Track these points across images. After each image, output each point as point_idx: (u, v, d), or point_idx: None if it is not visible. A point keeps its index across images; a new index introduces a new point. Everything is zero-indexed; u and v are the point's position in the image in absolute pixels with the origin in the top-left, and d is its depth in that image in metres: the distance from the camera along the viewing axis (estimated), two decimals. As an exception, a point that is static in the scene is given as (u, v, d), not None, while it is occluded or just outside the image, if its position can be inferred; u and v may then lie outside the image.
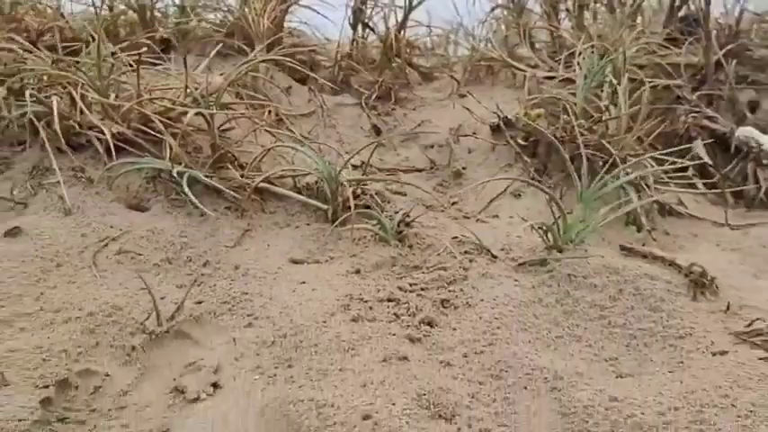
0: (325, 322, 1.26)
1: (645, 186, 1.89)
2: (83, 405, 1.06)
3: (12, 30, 2.32)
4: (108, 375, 1.13)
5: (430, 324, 1.28)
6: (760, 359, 1.09)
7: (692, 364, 1.11)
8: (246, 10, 2.55)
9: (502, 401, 1.03)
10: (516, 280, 1.43)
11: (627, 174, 1.78)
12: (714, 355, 1.13)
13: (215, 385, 1.09)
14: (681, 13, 2.81)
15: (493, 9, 3.32)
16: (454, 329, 1.26)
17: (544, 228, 1.52)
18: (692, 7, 2.76)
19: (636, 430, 0.94)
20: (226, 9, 2.85)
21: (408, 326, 1.26)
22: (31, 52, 2.15)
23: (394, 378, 1.07)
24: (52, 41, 2.38)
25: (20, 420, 0.98)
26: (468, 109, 2.42)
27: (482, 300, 1.36)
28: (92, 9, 2.61)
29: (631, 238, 1.74)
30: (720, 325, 1.23)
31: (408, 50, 2.95)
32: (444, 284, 1.44)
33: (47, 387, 1.07)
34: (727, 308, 1.27)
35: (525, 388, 1.06)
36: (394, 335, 1.22)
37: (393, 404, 1.00)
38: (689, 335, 1.19)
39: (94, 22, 2.54)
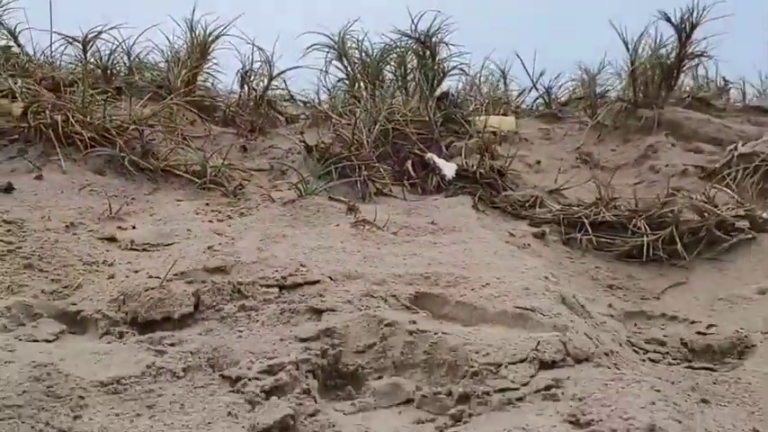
0: (184, 214, 2.96)
1: (371, 181, 3.66)
2: (80, 230, 2.70)
3: (27, 77, 3.97)
4: (87, 225, 2.77)
5: (230, 217, 2.99)
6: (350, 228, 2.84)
7: (325, 229, 2.84)
8: (169, 73, 4.28)
9: (238, 219, 2.74)
10: (279, 208, 3.15)
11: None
12: (335, 226, 2.87)
13: (133, 227, 2.75)
14: (438, 92, 4.70)
15: (338, 81, 5.18)
16: (240, 222, 2.97)
17: (298, 186, 3.27)
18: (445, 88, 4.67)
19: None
20: (158, 70, 4.57)
21: (216, 211, 2.97)
22: (39, 91, 3.81)
23: (201, 214, 2.77)
24: (51, 85, 4.03)
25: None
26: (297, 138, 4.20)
27: (258, 213, 3.08)
28: (74, 62, 4.29)
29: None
30: (346, 220, 2.97)
31: (274, 103, 4.72)
32: (242, 211, 3.15)
33: (65, 223, 2.70)
34: (355, 215, 3.03)
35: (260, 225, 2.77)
36: (210, 213, 2.93)
37: (196, 214, 2.70)
38: (334, 224, 2.93)
39: (77, 71, 4.22)
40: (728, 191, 3.27)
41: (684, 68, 4.56)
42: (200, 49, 4.41)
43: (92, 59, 4.36)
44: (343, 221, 2.96)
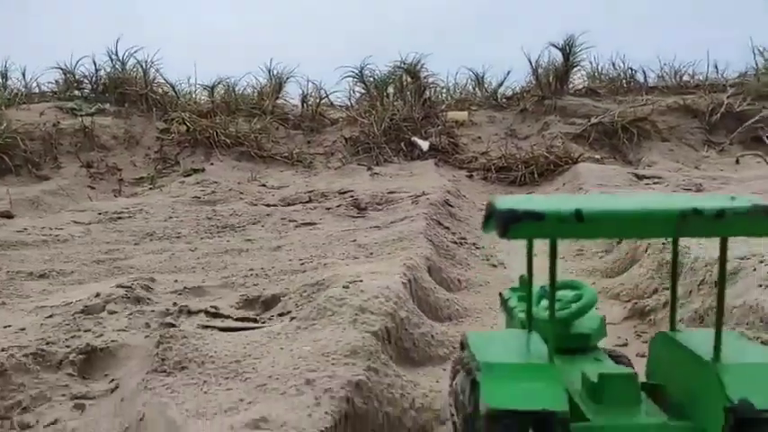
0: (287, 176, 6.04)
1: (380, 155, 6.67)
2: (245, 185, 5.79)
3: (186, 111, 7.09)
4: (246, 183, 5.88)
5: (310, 176, 6.05)
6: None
7: (356, 178, 5.87)
8: (262, 101, 7.38)
9: (313, 176, 5.78)
10: (332, 171, 6.21)
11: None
12: (361, 177, 5.88)
13: (265, 183, 5.84)
14: (421, 100, 7.67)
15: (360, 96, 8.21)
16: (315, 177, 6.04)
17: (341, 160, 6.32)
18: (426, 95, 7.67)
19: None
20: (254, 98, 7.67)
21: (301, 174, 6.04)
22: (195, 119, 6.94)
23: (295, 175, 5.84)
24: (198, 113, 7.15)
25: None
26: (339, 134, 7.28)
27: (322, 174, 6.15)
28: (208, 99, 7.43)
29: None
30: (366, 174, 5.99)
31: (324, 112, 7.77)
32: (315, 173, 6.22)
33: (236, 182, 5.81)
34: (371, 171, 6.04)
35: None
36: (299, 175, 6.01)
37: (292, 175, 5.76)
38: (360, 177, 5.95)
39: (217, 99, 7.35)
40: (560, 144, 6.20)
41: (571, 73, 7.45)
42: (278, 85, 7.51)
43: (217, 96, 7.51)
44: (365, 175, 5.99)
